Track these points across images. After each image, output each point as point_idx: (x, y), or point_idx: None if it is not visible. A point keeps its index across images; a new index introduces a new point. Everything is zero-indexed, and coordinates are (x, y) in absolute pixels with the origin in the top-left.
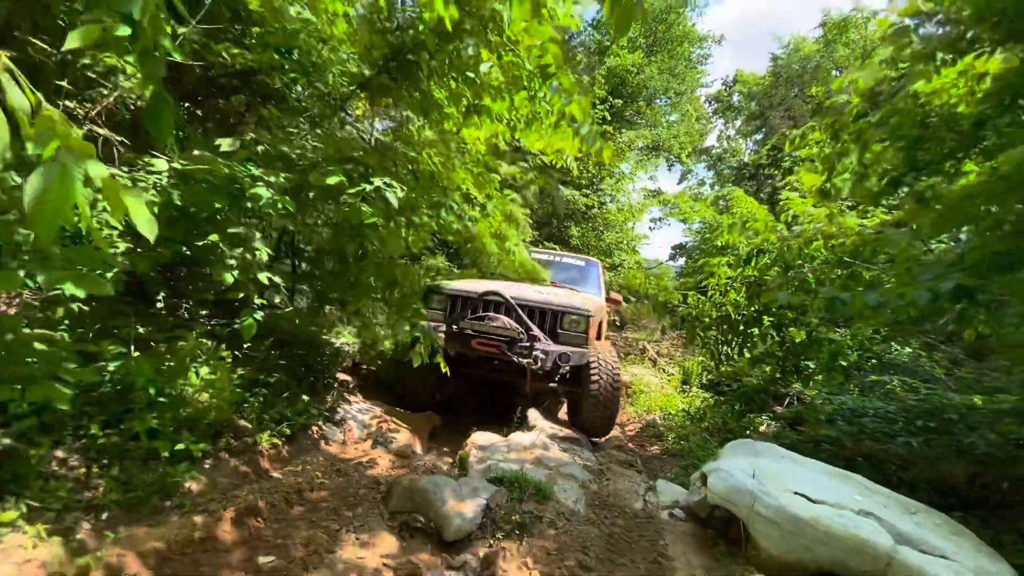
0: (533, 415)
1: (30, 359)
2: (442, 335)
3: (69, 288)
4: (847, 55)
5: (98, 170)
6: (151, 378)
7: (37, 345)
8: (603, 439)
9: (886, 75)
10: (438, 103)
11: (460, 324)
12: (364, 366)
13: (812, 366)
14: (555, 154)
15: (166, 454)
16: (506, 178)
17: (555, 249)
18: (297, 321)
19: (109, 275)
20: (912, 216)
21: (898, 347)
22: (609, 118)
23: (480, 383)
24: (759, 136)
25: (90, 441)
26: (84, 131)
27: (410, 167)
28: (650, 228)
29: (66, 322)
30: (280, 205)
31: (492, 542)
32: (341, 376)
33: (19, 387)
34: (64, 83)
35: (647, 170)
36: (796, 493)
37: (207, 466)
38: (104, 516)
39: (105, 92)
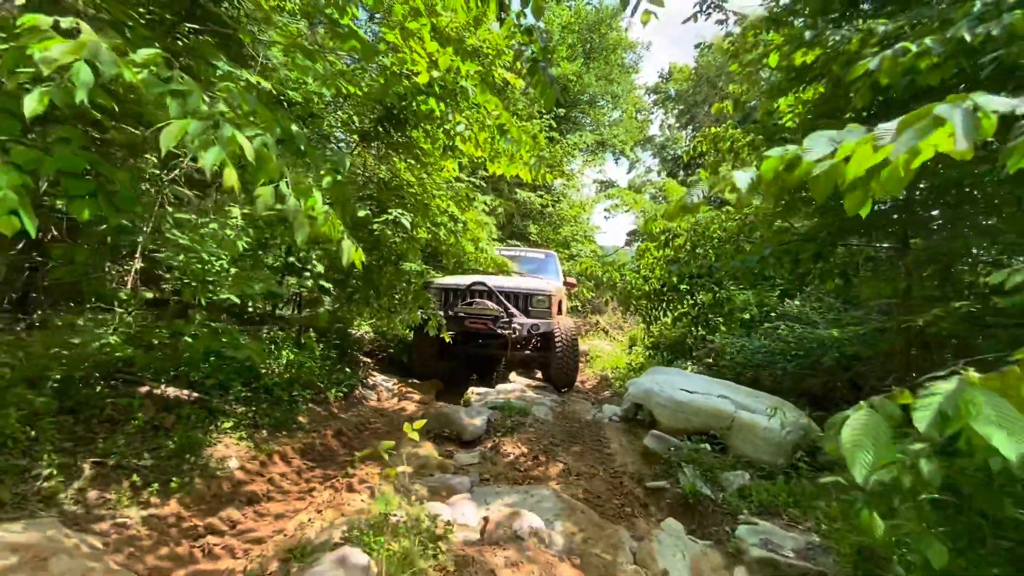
0: (512, 375)
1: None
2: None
3: (233, 297)
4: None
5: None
6: (256, 356)
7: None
8: (567, 391)
9: (747, 100)
10: (421, 147)
11: (454, 309)
12: (378, 350)
13: (720, 320)
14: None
15: (285, 397)
16: (477, 195)
17: (519, 245)
18: (338, 315)
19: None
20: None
21: (791, 301)
22: (555, 124)
23: (469, 360)
24: (689, 129)
25: (236, 393)
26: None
27: (414, 200)
28: (605, 218)
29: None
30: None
31: (495, 438)
32: (363, 357)
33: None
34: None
35: (595, 166)
36: (681, 389)
37: (305, 408)
38: (263, 433)
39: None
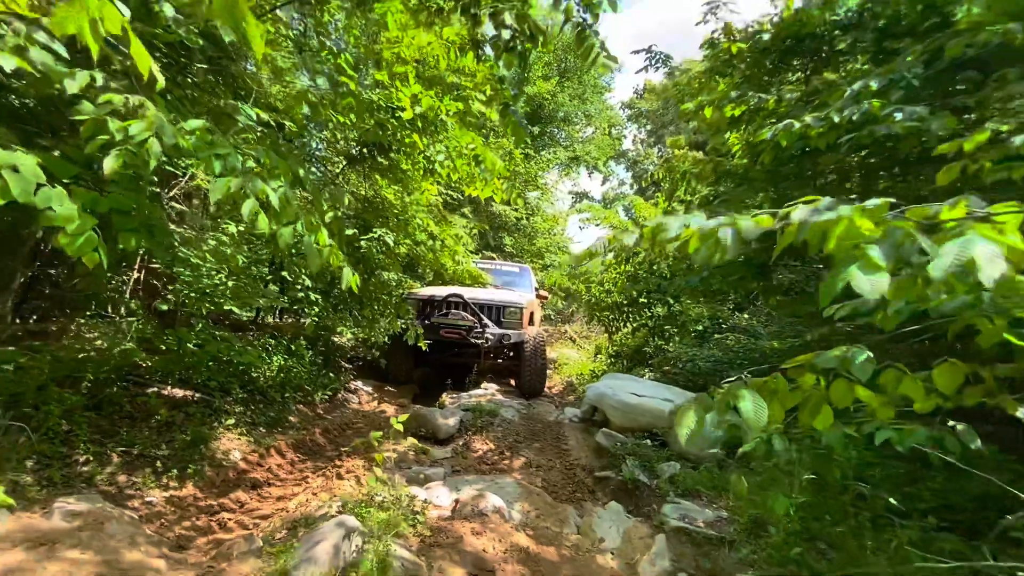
0: (484, 383)
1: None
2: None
3: (234, 308)
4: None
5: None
6: (255, 362)
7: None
8: (535, 398)
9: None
10: (403, 169)
11: (431, 319)
12: (357, 357)
13: (675, 331)
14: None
15: (278, 398)
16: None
17: (494, 258)
18: (323, 323)
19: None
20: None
21: (741, 314)
22: (529, 141)
23: (443, 367)
24: (657, 148)
25: (235, 394)
26: (167, 206)
27: (396, 218)
28: (580, 228)
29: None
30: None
31: (466, 436)
32: (344, 363)
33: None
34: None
35: (569, 178)
36: (631, 393)
37: (295, 409)
38: (260, 430)
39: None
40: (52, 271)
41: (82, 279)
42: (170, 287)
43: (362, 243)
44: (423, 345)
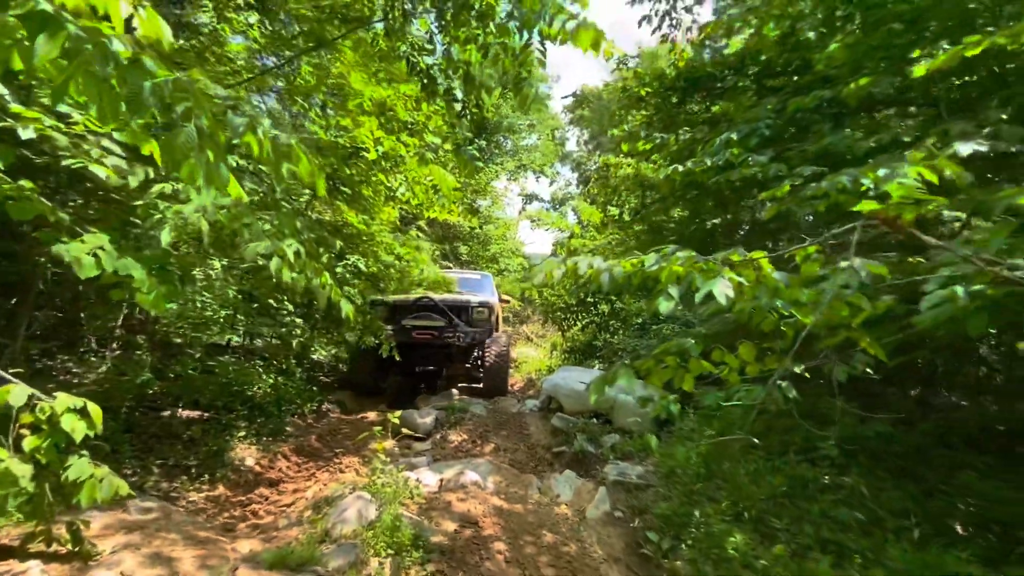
0: (452, 390)
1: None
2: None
3: (235, 337)
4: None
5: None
6: (249, 380)
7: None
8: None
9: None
10: (367, 197)
11: (403, 322)
12: (332, 371)
13: (619, 325)
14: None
15: (275, 412)
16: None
17: (450, 266)
18: (305, 343)
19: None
20: (642, 233)
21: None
22: (478, 154)
23: (410, 375)
24: (597, 153)
25: (238, 412)
26: None
27: (364, 244)
28: (531, 229)
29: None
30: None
31: (442, 431)
32: (324, 378)
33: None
34: None
35: (517, 183)
36: (580, 382)
37: (289, 420)
38: (265, 439)
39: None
40: (37, 313)
41: (88, 321)
42: (160, 323)
43: (338, 270)
44: (394, 354)
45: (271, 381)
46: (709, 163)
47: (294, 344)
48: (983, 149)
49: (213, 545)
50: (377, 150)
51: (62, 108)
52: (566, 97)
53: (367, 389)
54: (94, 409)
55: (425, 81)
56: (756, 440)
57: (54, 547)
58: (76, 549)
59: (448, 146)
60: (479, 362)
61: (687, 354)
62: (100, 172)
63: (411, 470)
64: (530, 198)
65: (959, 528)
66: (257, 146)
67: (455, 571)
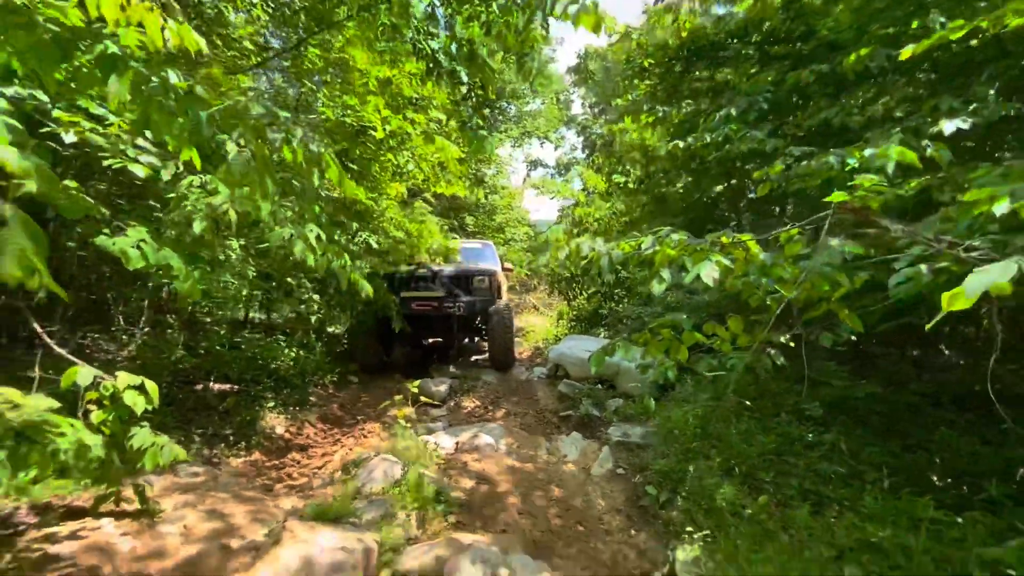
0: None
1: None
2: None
3: (257, 317)
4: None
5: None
6: (273, 355)
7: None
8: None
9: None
10: (376, 176)
11: (402, 294)
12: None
13: (624, 294)
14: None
15: (299, 384)
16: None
17: (456, 237)
18: (323, 318)
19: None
20: (648, 203)
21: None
22: (482, 123)
23: (418, 347)
24: (603, 117)
25: (265, 384)
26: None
27: (373, 221)
28: (536, 196)
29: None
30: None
31: (456, 398)
32: (339, 350)
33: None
34: None
35: (522, 150)
36: (585, 351)
37: (312, 391)
38: (292, 409)
39: None
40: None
41: (115, 302)
42: (186, 301)
43: (353, 247)
44: (404, 327)
45: (293, 355)
46: (709, 139)
47: (312, 320)
48: (966, 127)
49: (259, 503)
50: (384, 129)
51: (93, 109)
52: (570, 71)
53: (372, 366)
54: (151, 385)
55: (431, 65)
56: (748, 403)
57: (122, 507)
58: (143, 508)
59: (453, 123)
60: (482, 332)
61: (680, 328)
62: (138, 171)
63: (429, 434)
64: (535, 164)
65: (936, 480)
66: (291, 155)
67: (473, 521)
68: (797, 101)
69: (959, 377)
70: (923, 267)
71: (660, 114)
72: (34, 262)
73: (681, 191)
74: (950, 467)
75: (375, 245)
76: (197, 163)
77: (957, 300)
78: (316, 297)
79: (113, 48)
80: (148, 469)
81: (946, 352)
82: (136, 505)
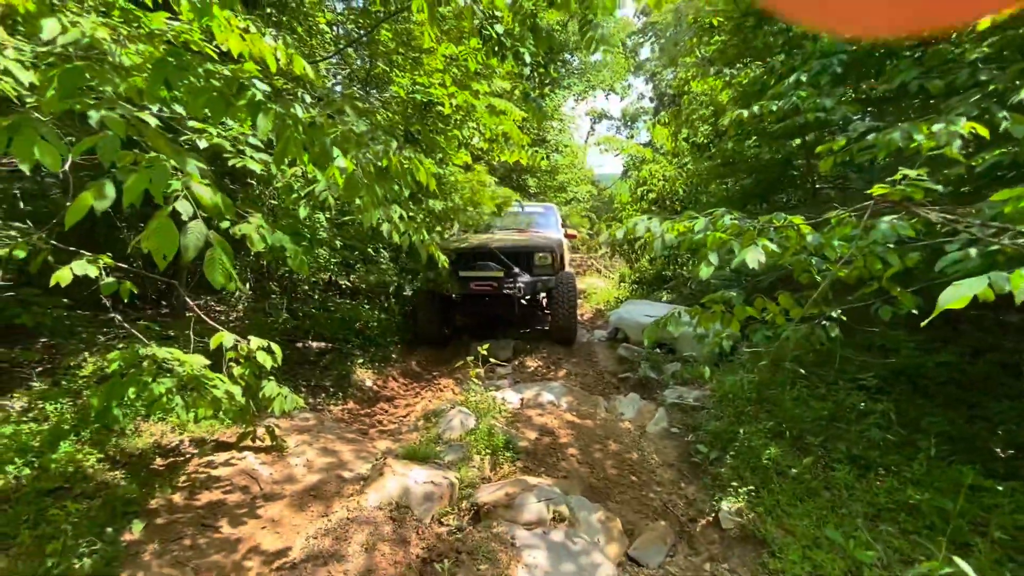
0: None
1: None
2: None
3: (343, 283)
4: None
5: None
6: (360, 317)
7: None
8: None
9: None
10: (443, 148)
11: (461, 273)
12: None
13: (688, 255)
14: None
15: (382, 342)
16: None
17: (518, 198)
18: (399, 285)
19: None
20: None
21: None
22: (545, 82)
23: (478, 317)
24: (670, 71)
25: (354, 343)
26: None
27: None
28: (600, 153)
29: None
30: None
31: (520, 359)
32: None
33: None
34: None
35: (586, 102)
36: (645, 315)
37: (393, 349)
38: (377, 365)
39: None
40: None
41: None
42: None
43: (419, 217)
44: (455, 296)
45: (376, 317)
46: (775, 108)
47: (391, 288)
48: None
49: (359, 443)
50: (451, 104)
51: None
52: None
53: (425, 338)
54: (276, 347)
55: (496, 48)
56: (803, 371)
57: (257, 443)
58: (273, 444)
59: (517, 93)
60: (544, 308)
61: (731, 303)
62: (255, 167)
63: (497, 391)
64: (600, 117)
65: (999, 451)
66: (387, 162)
67: (538, 467)
68: (879, 58)
69: None
70: (972, 251)
71: (728, 78)
72: (230, 271)
73: (752, 155)
74: (1014, 439)
75: (438, 212)
76: (310, 169)
77: (955, 301)
78: (392, 265)
79: (260, 96)
80: (277, 414)
81: None
82: (268, 441)
